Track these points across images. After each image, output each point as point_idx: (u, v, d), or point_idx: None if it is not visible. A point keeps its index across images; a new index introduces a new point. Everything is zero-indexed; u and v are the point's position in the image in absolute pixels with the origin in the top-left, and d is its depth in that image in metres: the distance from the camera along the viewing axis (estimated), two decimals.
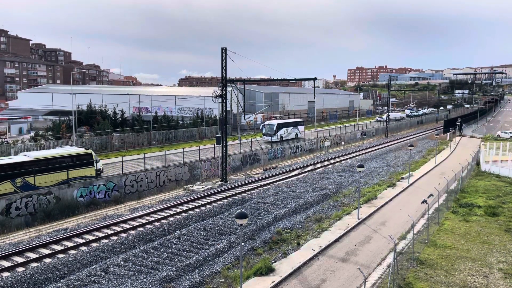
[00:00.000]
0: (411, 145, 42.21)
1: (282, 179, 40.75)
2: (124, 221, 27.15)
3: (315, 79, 42.94)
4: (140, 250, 22.35)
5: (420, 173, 42.68)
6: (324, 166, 48.69)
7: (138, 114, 71.73)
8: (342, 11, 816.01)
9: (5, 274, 19.58)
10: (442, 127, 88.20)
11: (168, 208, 30.33)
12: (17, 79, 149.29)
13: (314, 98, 50.69)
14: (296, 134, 62.90)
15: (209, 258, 21.64)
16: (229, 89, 53.47)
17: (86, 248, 22.70)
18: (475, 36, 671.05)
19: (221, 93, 38.96)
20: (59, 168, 30.78)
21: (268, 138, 57.37)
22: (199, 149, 45.01)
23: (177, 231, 25.55)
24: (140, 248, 22.79)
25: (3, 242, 24.01)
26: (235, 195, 34.56)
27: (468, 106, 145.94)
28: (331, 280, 18.73)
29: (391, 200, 32.56)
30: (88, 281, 18.81)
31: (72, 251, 22.27)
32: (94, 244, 23.25)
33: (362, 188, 36.00)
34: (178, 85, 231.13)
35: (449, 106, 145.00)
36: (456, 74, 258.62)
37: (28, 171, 29.28)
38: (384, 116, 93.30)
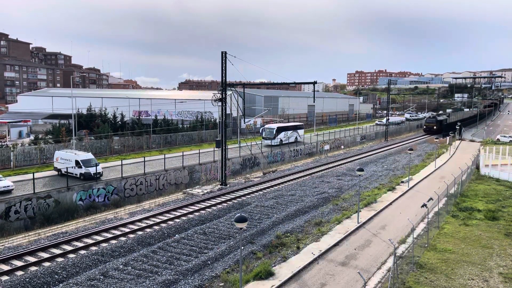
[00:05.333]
0: (411, 149, 42.23)
1: (282, 183, 40.72)
2: (124, 225, 27.09)
3: (314, 83, 43.07)
4: (139, 254, 22.30)
5: (419, 177, 42.67)
6: (323, 169, 48.67)
7: (138, 117, 71.78)
8: (342, 15, 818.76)
9: (4, 278, 19.54)
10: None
11: (168, 211, 30.28)
12: (17, 82, 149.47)
13: (314, 102, 50.90)
14: (296, 137, 62.90)
15: (209, 262, 21.58)
16: (229, 92, 53.56)
17: (85, 252, 22.65)
18: (475, 40, 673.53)
19: (221, 97, 39.01)
20: None
21: (268, 142, 57.37)
22: (199, 152, 45.02)
23: (176, 235, 25.50)
24: (140, 252, 22.74)
25: (2, 245, 23.96)
26: (234, 198, 34.52)
27: (467, 110, 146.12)
28: (330, 284, 18.68)
29: (390, 204, 32.54)
30: (87, 285, 18.76)
31: (71, 255, 22.22)
32: (93, 248, 23.20)
33: (362, 192, 35.98)
34: (178, 89, 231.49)
35: (448, 110, 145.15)
36: (456, 78, 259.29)
37: None
38: (384, 120, 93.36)
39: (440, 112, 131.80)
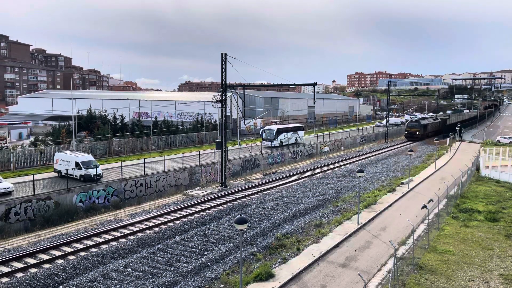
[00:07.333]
0: (411, 150, 42.21)
1: (282, 184, 40.71)
2: (124, 227, 27.09)
3: (314, 84, 43.07)
4: (139, 256, 22.29)
5: (420, 178, 42.66)
6: (324, 171, 48.66)
7: (138, 119, 71.77)
8: (341, 17, 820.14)
9: (4, 279, 19.52)
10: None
11: (168, 213, 30.27)
12: (17, 84, 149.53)
13: (314, 103, 50.86)
14: (296, 139, 62.92)
15: (209, 263, 21.57)
16: (229, 94, 53.60)
17: (85, 253, 22.63)
18: (475, 41, 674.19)
19: (221, 98, 39.03)
20: None
21: (268, 143, 57.39)
22: (199, 154, 45.01)
23: (176, 237, 25.49)
24: (140, 253, 22.73)
25: (2, 247, 23.94)
26: (234, 200, 34.51)
27: (467, 111, 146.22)
28: (331, 286, 18.66)
29: (391, 205, 32.51)
30: (87, 286, 18.74)
31: (71, 257, 22.20)
32: (93, 250, 23.18)
33: (362, 193, 35.95)
34: (178, 90, 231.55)
35: (448, 111, 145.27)
36: (456, 80, 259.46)
37: None
38: (384, 121, 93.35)
39: (443, 114, 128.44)
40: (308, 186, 39.41)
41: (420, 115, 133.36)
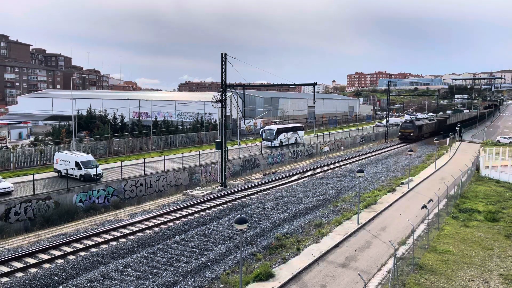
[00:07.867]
0: (411, 150, 42.21)
1: (282, 184, 40.70)
2: (123, 226, 27.08)
3: (314, 84, 43.08)
4: (139, 256, 22.29)
5: (419, 178, 42.66)
6: (323, 171, 48.65)
7: (137, 119, 71.77)
8: (342, 17, 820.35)
9: (4, 279, 19.53)
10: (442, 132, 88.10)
11: (168, 213, 30.27)
12: (17, 84, 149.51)
13: (314, 103, 50.89)
14: (296, 139, 62.92)
15: (209, 263, 21.57)
16: (229, 94, 53.62)
17: (85, 253, 22.63)
18: (475, 41, 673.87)
19: (221, 98, 39.03)
20: None
21: (268, 143, 57.39)
22: (199, 154, 45.01)
23: (176, 236, 25.49)
24: (139, 253, 22.73)
25: (2, 247, 23.94)
26: (234, 200, 34.51)
27: (467, 111, 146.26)
28: (331, 286, 18.67)
29: (391, 205, 32.52)
30: (87, 286, 18.74)
31: (71, 257, 22.20)
32: (93, 250, 23.18)
33: (362, 193, 35.95)
34: (178, 90, 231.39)
35: (448, 111, 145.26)
36: (456, 80, 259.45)
37: None
38: (384, 121, 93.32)
39: (442, 113, 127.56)
40: (308, 186, 39.41)
41: (421, 115, 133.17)
